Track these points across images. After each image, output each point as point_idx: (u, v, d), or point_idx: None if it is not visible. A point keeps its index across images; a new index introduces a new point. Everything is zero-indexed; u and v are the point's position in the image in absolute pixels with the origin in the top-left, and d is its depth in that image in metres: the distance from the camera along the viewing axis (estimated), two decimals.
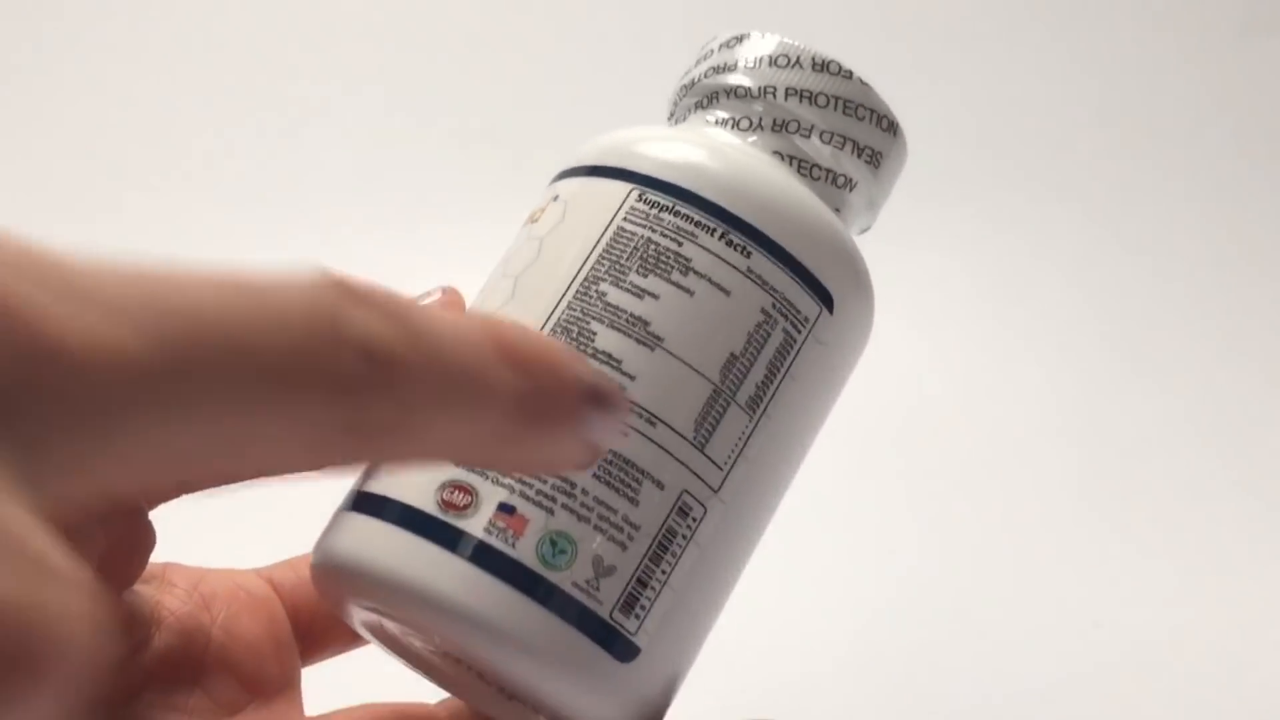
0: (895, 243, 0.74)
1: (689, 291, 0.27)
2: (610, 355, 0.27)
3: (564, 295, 0.27)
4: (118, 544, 0.25)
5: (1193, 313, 0.70)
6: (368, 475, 0.27)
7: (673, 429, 0.26)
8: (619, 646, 0.26)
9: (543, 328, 0.27)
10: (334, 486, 0.29)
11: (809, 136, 0.30)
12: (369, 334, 0.16)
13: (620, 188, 0.28)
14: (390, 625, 0.28)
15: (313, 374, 0.16)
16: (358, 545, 0.26)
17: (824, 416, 0.30)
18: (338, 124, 0.69)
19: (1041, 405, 0.66)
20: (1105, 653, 0.56)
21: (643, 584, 0.26)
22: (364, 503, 0.27)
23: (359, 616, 0.28)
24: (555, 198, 0.29)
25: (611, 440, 0.21)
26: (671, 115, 0.32)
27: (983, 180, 0.73)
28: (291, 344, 0.15)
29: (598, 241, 0.28)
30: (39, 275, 0.14)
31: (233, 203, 0.67)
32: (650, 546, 0.26)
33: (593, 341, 0.27)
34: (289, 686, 0.30)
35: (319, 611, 0.31)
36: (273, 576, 0.31)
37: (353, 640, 0.31)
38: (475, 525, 0.25)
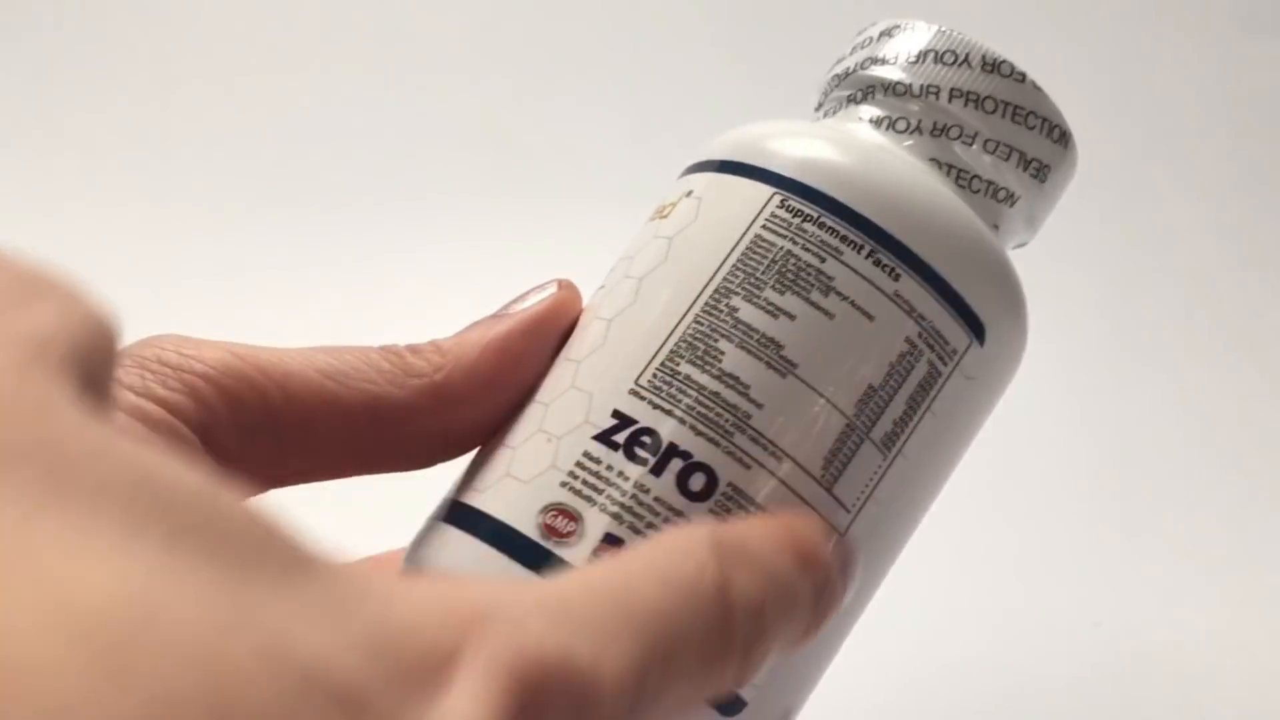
0: None
1: (829, 314, 0.25)
2: (738, 379, 0.24)
3: (691, 307, 0.25)
4: None
5: (1193, 311, 0.69)
6: (465, 484, 0.25)
7: (799, 465, 0.24)
8: (728, 706, 0.24)
9: (666, 341, 0.25)
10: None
11: (971, 144, 0.27)
12: (750, 596, 0.19)
13: (761, 190, 0.26)
14: None
15: (722, 648, 0.18)
16: (451, 560, 0.25)
17: (961, 455, 0.27)
18: (348, 125, 0.68)
19: (1041, 404, 0.64)
20: (1105, 652, 0.56)
21: None
22: (460, 516, 0.25)
23: None
24: (689, 193, 0.27)
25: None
26: (820, 106, 0.30)
27: None
28: (706, 628, 0.18)
29: (733, 249, 0.25)
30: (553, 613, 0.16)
31: (233, 204, 0.66)
32: None
33: (719, 362, 0.24)
34: None
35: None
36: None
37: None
38: (578, 555, 0.23)
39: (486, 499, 0.25)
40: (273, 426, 0.23)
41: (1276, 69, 0.73)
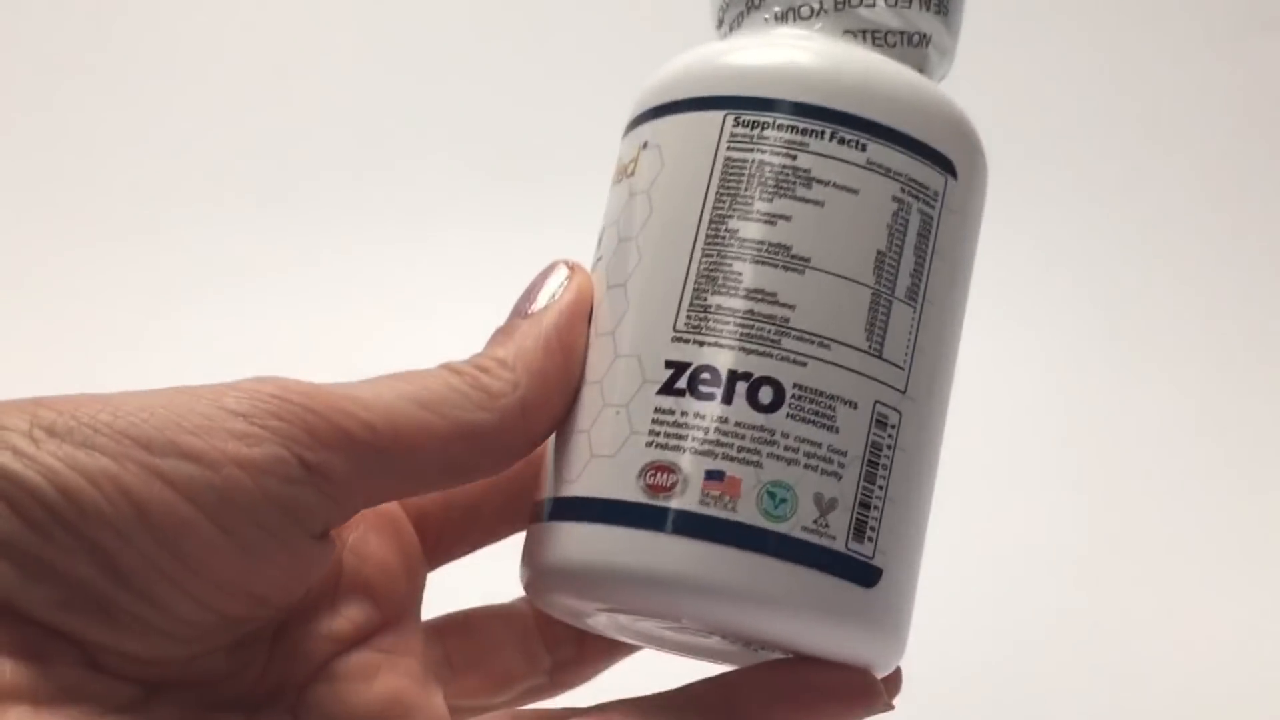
0: None
1: (819, 203, 0.26)
2: (763, 291, 0.26)
3: (695, 244, 0.26)
4: None
5: (1193, 311, 0.69)
6: (557, 481, 0.27)
7: (848, 345, 0.26)
8: (864, 574, 0.25)
9: (686, 282, 0.26)
10: None
11: (874, 5, 0.29)
12: None
13: (713, 117, 0.27)
14: (623, 617, 0.27)
15: None
16: (572, 553, 0.26)
17: (969, 286, 0.29)
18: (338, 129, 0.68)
19: (1041, 404, 0.66)
20: (1105, 653, 0.56)
21: (866, 506, 0.25)
22: (566, 509, 0.26)
23: (591, 619, 0.28)
24: (644, 144, 0.28)
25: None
26: (720, 24, 0.31)
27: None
28: None
29: (710, 179, 0.27)
30: None
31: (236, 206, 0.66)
32: (862, 468, 0.25)
33: (741, 282, 0.26)
34: (415, 602, 0.30)
35: (447, 520, 0.30)
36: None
37: (472, 545, 0.31)
38: (690, 500, 0.25)
39: (584, 485, 0.26)
40: (385, 463, 0.25)
41: (1277, 69, 0.73)
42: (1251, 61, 0.73)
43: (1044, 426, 0.65)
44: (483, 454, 0.26)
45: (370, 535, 0.29)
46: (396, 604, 0.29)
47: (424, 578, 0.30)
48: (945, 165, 0.27)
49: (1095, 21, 0.75)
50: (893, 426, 0.26)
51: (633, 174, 0.28)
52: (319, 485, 0.24)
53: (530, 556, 0.27)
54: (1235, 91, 0.74)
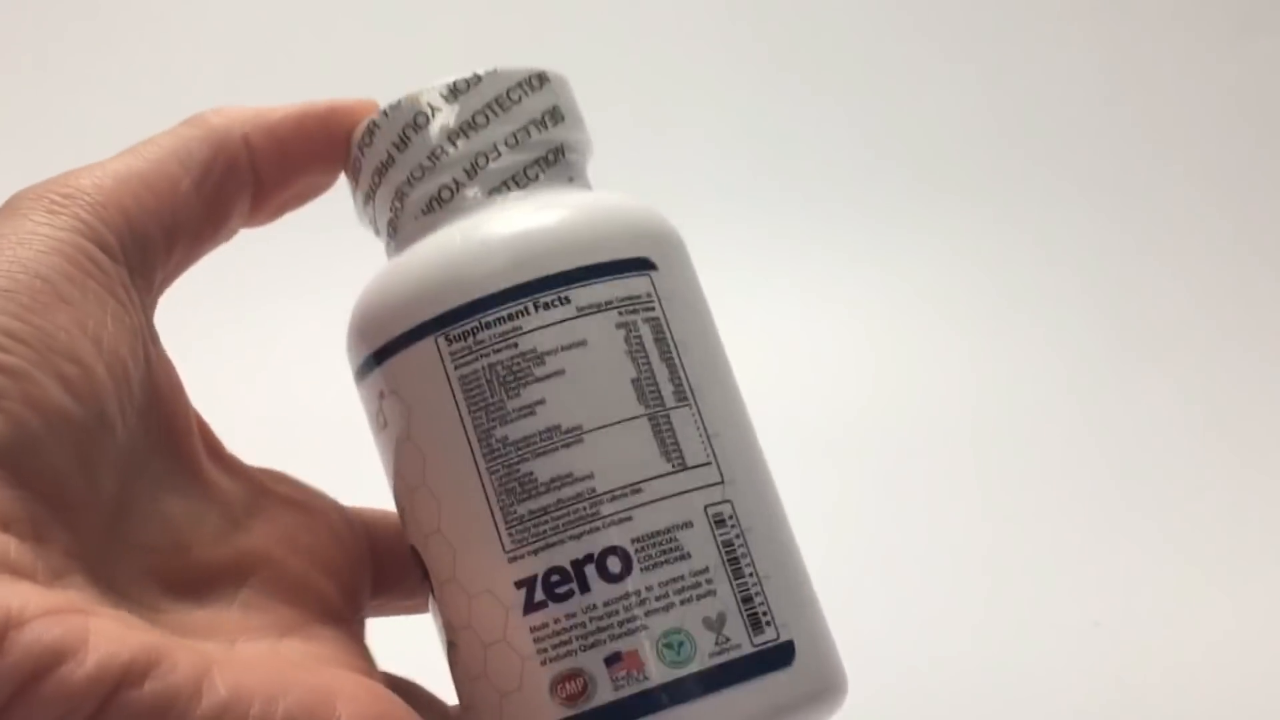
0: (903, 239, 0.73)
1: (560, 372, 0.27)
2: (559, 477, 0.27)
3: (479, 470, 0.27)
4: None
5: (1193, 311, 0.69)
6: None
7: (655, 477, 0.27)
8: (782, 656, 0.27)
9: (491, 508, 0.27)
10: None
11: (500, 156, 0.30)
12: None
13: (426, 346, 0.28)
14: None
15: None
16: None
17: (714, 327, 0.30)
18: None
19: (1042, 402, 0.66)
20: (1105, 653, 0.56)
21: (749, 599, 0.27)
22: None
23: None
24: (381, 394, 0.29)
25: None
26: (378, 234, 0.31)
27: (986, 177, 0.73)
28: None
29: (456, 403, 0.27)
30: None
31: None
32: (727, 571, 0.27)
33: (536, 480, 0.27)
34: (354, 621, 0.31)
35: (394, 561, 0.32)
36: (362, 514, 0.32)
37: (406, 599, 0.33)
38: (606, 692, 0.26)
39: None
40: (158, 224, 0.27)
41: (1276, 69, 0.74)
42: (1252, 61, 0.74)
43: (1045, 425, 0.66)
44: (229, 191, 0.29)
45: (342, 531, 0.31)
46: (358, 603, 0.31)
47: (366, 600, 0.31)
48: (644, 265, 0.29)
49: (1095, 21, 0.76)
50: (730, 517, 0.27)
51: (386, 425, 0.29)
52: (130, 271, 0.26)
53: None
54: (1236, 91, 0.75)
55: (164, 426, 0.27)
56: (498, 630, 0.27)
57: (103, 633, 0.22)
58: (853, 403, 0.66)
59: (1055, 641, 0.58)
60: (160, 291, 0.28)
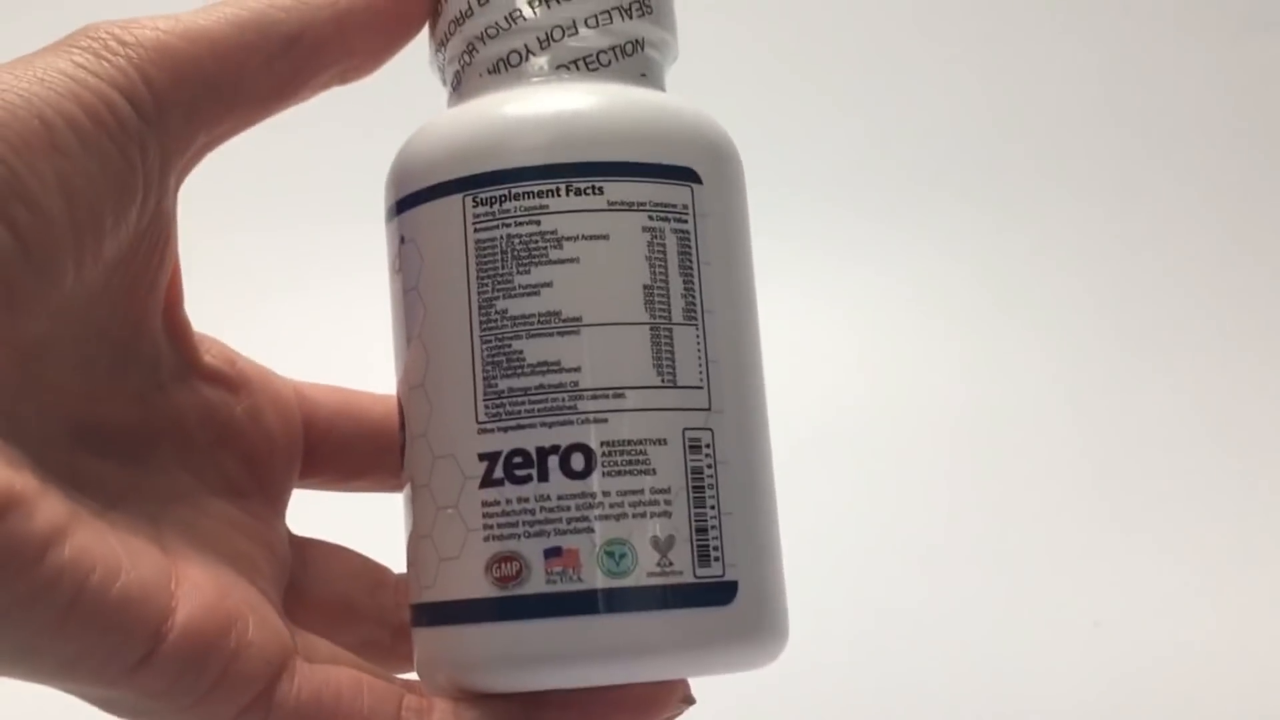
0: (900, 238, 0.74)
1: (574, 260, 0.27)
2: (547, 363, 0.26)
3: (472, 336, 0.27)
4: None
5: (1193, 311, 0.69)
6: (418, 588, 0.28)
7: (641, 387, 0.27)
8: (720, 594, 0.26)
9: (474, 375, 0.27)
10: None
11: (576, 33, 0.29)
12: None
13: (453, 202, 0.28)
14: None
15: None
16: (437, 654, 0.27)
17: (750, 260, 0.30)
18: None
19: (1041, 401, 0.66)
20: (1105, 653, 0.56)
21: (704, 530, 0.27)
22: (427, 614, 0.27)
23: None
24: (401, 240, 0.29)
25: None
26: (444, 83, 0.31)
27: (983, 175, 0.73)
28: None
29: (467, 265, 0.27)
30: None
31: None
32: (689, 497, 0.26)
33: (525, 360, 0.27)
34: (283, 494, 0.31)
35: (329, 435, 0.32)
36: (300, 388, 0.32)
37: (342, 481, 0.33)
38: (538, 583, 0.26)
39: (440, 590, 0.27)
40: (213, 93, 0.26)
41: (1276, 68, 0.73)
42: (1252, 61, 0.74)
43: (1045, 424, 0.66)
44: (304, 67, 0.27)
45: (268, 408, 0.31)
46: (267, 483, 0.30)
47: (296, 473, 0.32)
48: (687, 175, 0.28)
49: (1095, 21, 0.76)
50: (708, 446, 0.27)
51: (400, 270, 0.29)
52: (160, 134, 0.26)
53: (419, 665, 0.28)
54: (1236, 90, 0.74)
55: (128, 284, 0.27)
56: (452, 496, 0.27)
57: None
58: (849, 403, 0.67)
59: (1055, 641, 0.58)
60: (201, 154, 0.28)
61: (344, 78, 0.29)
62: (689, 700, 0.28)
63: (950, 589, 0.59)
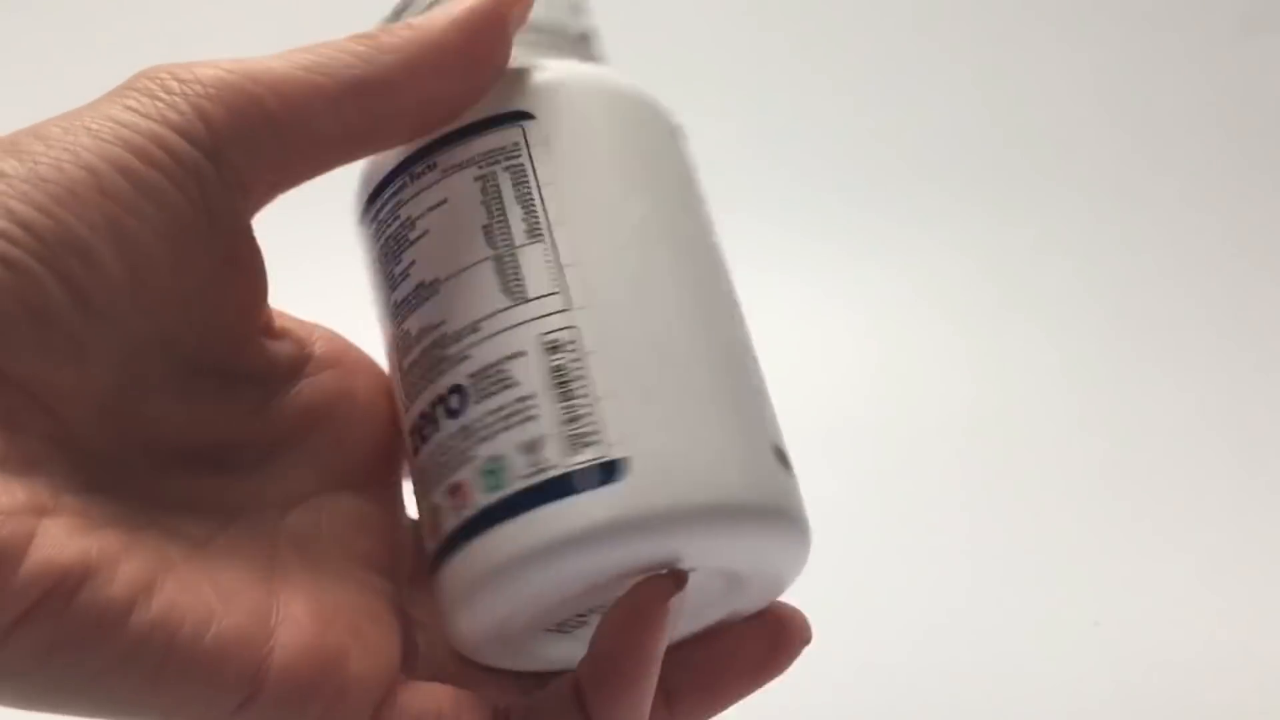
0: (900, 237, 0.75)
1: (425, 234, 0.29)
2: (423, 328, 0.28)
3: (387, 332, 0.30)
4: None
5: (1193, 311, 0.70)
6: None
7: (491, 314, 0.27)
8: (602, 475, 0.26)
9: (392, 362, 0.30)
10: None
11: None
12: None
13: (363, 226, 0.31)
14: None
15: None
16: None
17: (625, 168, 0.29)
18: None
19: (1042, 400, 0.67)
20: (1105, 653, 0.57)
21: (573, 419, 0.26)
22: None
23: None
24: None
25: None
26: None
27: (986, 175, 0.75)
28: None
29: (375, 275, 0.31)
30: None
31: None
32: (552, 393, 0.26)
33: (410, 335, 0.29)
34: (397, 472, 0.31)
35: None
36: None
37: None
38: (450, 525, 0.27)
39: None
40: (275, 130, 0.26)
41: (1276, 68, 0.76)
42: (1252, 61, 0.75)
43: (1045, 423, 0.66)
44: (378, 111, 0.27)
45: (368, 390, 0.31)
46: (385, 463, 0.31)
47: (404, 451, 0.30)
48: (515, 117, 0.29)
49: (1096, 20, 0.77)
50: (569, 343, 0.27)
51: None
52: (219, 167, 0.25)
53: (454, 614, 0.28)
54: (1236, 90, 0.75)
55: (214, 313, 0.27)
56: (410, 474, 0.29)
57: (48, 536, 0.22)
58: (851, 400, 0.68)
59: (1055, 641, 0.58)
60: (272, 194, 0.27)
61: (428, 126, 0.29)
62: (806, 639, 0.28)
63: (949, 588, 0.59)
